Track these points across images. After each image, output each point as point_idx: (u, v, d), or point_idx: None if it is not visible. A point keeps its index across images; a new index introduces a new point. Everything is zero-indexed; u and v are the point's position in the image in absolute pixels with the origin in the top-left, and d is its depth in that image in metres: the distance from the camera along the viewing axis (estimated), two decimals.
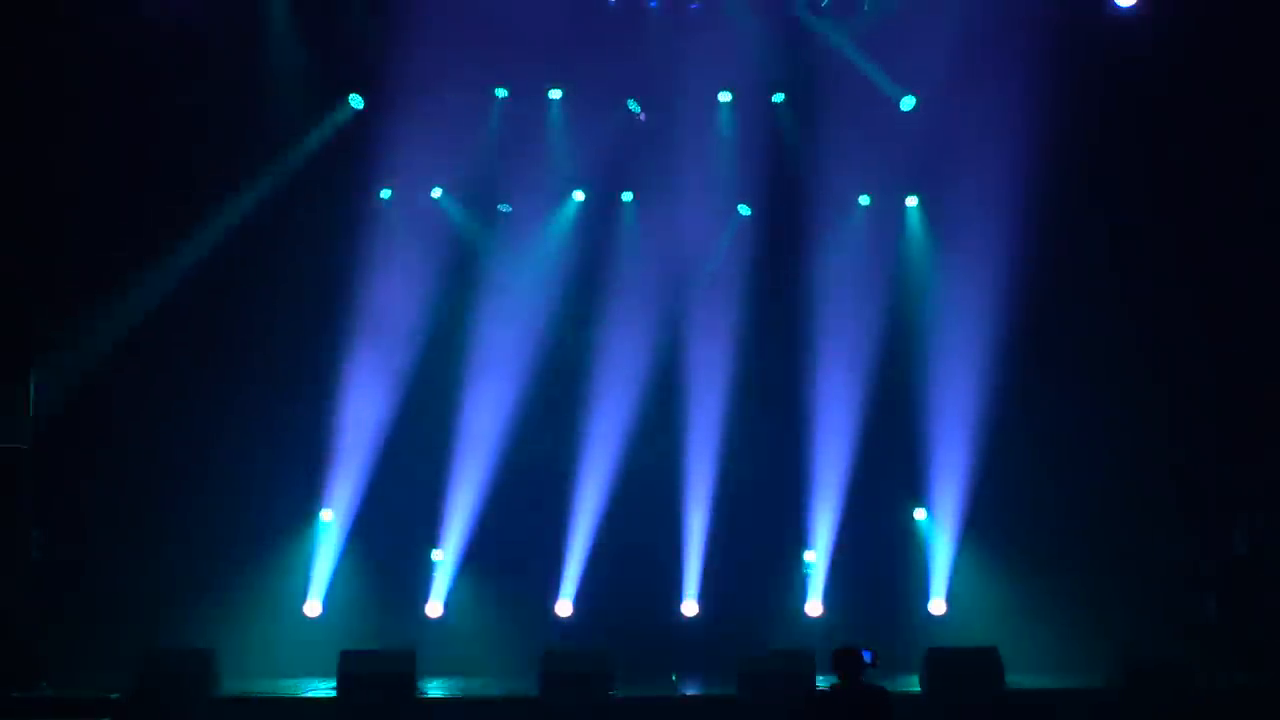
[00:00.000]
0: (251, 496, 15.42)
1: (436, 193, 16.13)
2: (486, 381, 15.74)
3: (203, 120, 15.38)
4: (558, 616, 15.52)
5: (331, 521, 15.50)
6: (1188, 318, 15.85)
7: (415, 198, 16.05)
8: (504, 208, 16.16)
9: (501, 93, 16.05)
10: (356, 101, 15.81)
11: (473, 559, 15.59)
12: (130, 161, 15.30)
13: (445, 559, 15.55)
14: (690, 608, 15.67)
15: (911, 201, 16.43)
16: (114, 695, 12.55)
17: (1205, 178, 15.77)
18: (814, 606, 15.71)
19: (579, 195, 16.34)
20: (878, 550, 15.87)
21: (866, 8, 15.86)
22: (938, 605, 15.72)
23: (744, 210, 16.31)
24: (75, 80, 15.06)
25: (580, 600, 15.57)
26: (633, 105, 16.00)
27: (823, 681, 13.10)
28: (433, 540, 15.56)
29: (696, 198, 16.19)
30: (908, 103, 15.87)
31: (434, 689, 13.57)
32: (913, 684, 13.51)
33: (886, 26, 15.83)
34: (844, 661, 9.67)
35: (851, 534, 15.75)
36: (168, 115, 15.28)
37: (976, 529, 15.74)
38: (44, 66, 14.96)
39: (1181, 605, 15.03)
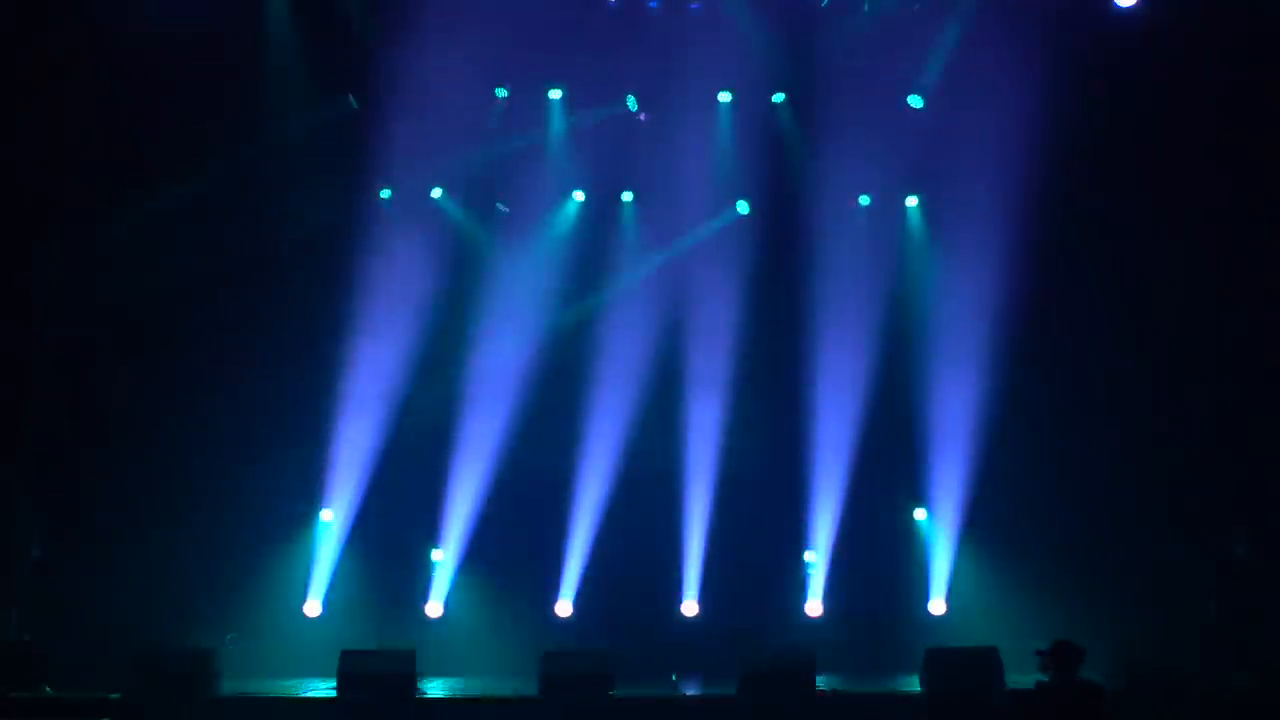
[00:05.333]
0: (251, 496, 15.42)
1: (437, 193, 16.14)
2: (486, 382, 15.74)
3: (202, 119, 15.38)
4: (558, 616, 15.53)
5: (331, 521, 15.50)
6: (1189, 317, 15.84)
7: (415, 197, 16.05)
8: (502, 207, 16.16)
9: (501, 93, 16.05)
10: (354, 102, 15.80)
11: (473, 559, 15.60)
12: (129, 159, 15.31)
13: (445, 559, 15.56)
14: (690, 608, 15.67)
15: (912, 201, 16.43)
16: (114, 695, 12.54)
17: (1207, 177, 15.76)
18: (814, 606, 15.71)
19: (579, 195, 16.35)
20: (878, 550, 15.87)
21: (867, 8, 15.85)
22: (938, 605, 15.72)
23: (743, 208, 16.33)
24: (75, 79, 15.06)
25: (580, 600, 15.57)
26: (631, 104, 15.99)
27: (821, 682, 13.10)
28: (433, 540, 15.57)
29: (696, 198, 16.21)
30: (917, 100, 15.85)
31: (434, 689, 13.56)
32: (913, 684, 13.50)
33: (886, 26, 15.81)
34: (1065, 656, 9.29)
35: (851, 534, 15.75)
36: (167, 113, 15.29)
37: (976, 529, 15.75)
38: (43, 65, 14.96)
39: (1181, 605, 15.03)
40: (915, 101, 15.86)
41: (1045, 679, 9.42)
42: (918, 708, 12.97)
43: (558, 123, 16.18)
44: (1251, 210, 15.67)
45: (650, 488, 15.77)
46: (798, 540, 15.82)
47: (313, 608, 15.37)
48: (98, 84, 15.10)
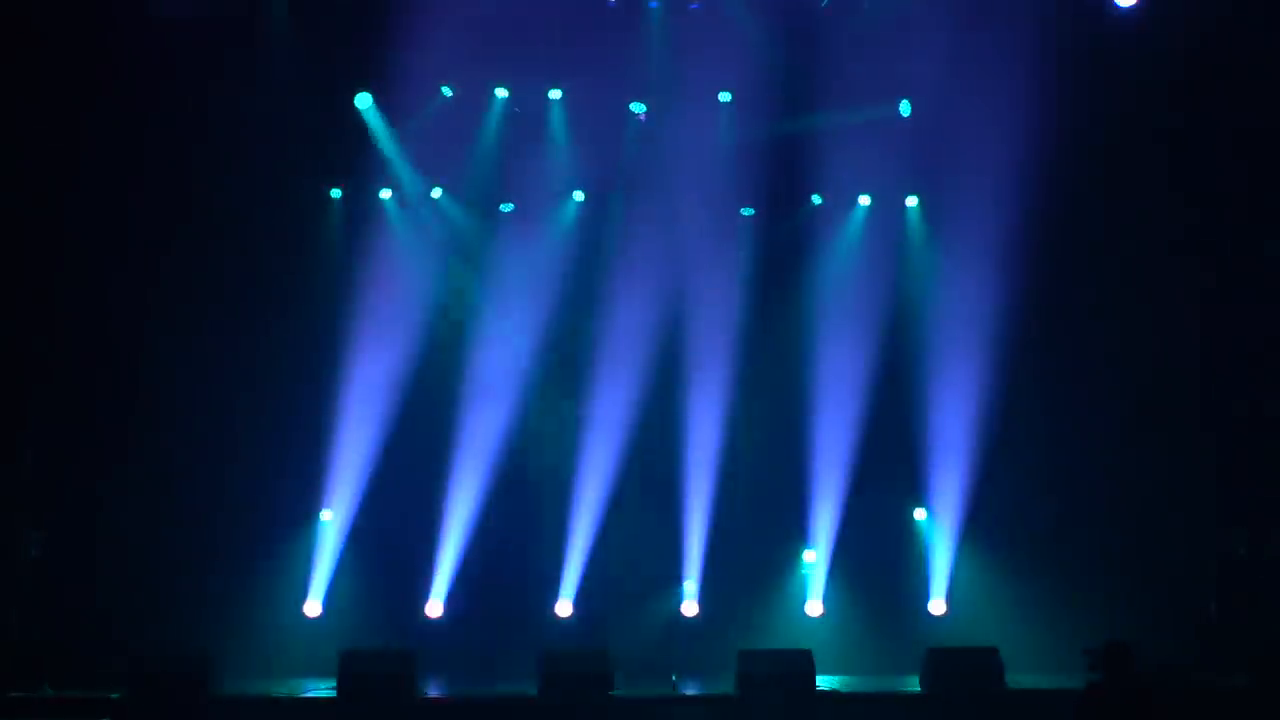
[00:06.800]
0: (252, 496, 15.42)
1: (436, 193, 16.16)
2: (486, 381, 15.74)
3: (202, 118, 15.38)
4: (558, 616, 15.53)
5: (331, 521, 15.50)
6: (1190, 317, 15.85)
7: (416, 197, 16.06)
8: (506, 207, 16.18)
9: (502, 93, 16.05)
10: (362, 101, 15.78)
11: (473, 559, 15.59)
12: (130, 159, 15.31)
13: (445, 559, 15.55)
14: (690, 608, 15.68)
15: (911, 202, 16.43)
16: (114, 695, 12.55)
17: (1206, 176, 15.77)
18: (814, 606, 15.72)
19: (579, 195, 16.35)
20: (878, 550, 15.87)
21: (867, 7, 15.84)
22: (938, 605, 15.73)
23: (746, 211, 16.37)
24: (75, 78, 15.06)
25: (580, 600, 15.58)
26: (637, 108, 16.01)
27: (823, 682, 13.10)
28: (433, 540, 15.56)
29: (696, 198, 16.21)
30: (905, 108, 15.88)
31: (434, 689, 13.56)
32: (913, 684, 13.50)
33: (887, 26, 15.81)
34: (1117, 656, 9.34)
35: (851, 534, 15.76)
36: (167, 113, 15.30)
37: (976, 529, 15.75)
38: (44, 65, 14.97)
39: (1181, 605, 15.03)
40: (904, 109, 15.88)
41: (1096, 678, 9.41)
42: (918, 708, 12.98)
43: (558, 122, 16.17)
44: (1252, 210, 15.67)
45: (650, 487, 15.77)
46: (798, 540, 15.83)
47: (313, 608, 15.37)
48: (96, 84, 15.10)
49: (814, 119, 16.06)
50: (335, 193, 16.11)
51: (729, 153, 16.16)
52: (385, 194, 16.08)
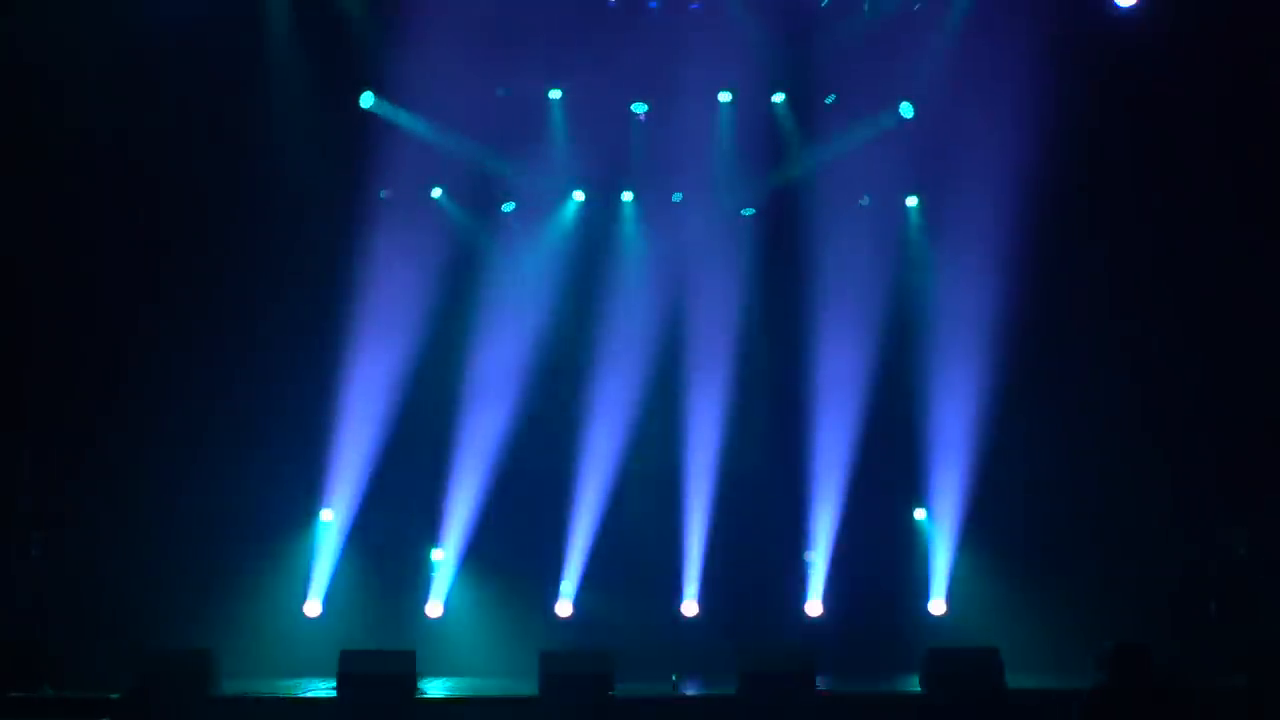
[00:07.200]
0: (251, 496, 15.42)
1: (436, 193, 16.16)
2: (487, 381, 15.75)
3: (203, 118, 15.39)
4: (558, 616, 15.53)
5: (331, 521, 15.50)
6: (1189, 317, 15.85)
7: (415, 197, 16.06)
8: (507, 207, 16.19)
9: (502, 93, 16.06)
10: (367, 100, 15.75)
11: (473, 559, 15.60)
12: (130, 159, 15.31)
13: (445, 559, 15.56)
14: (690, 607, 15.67)
15: (911, 201, 16.44)
16: (114, 695, 12.54)
17: (1206, 178, 15.77)
18: (814, 606, 15.72)
19: (579, 195, 16.36)
20: (878, 550, 15.87)
21: (867, 9, 15.85)
22: (938, 605, 15.73)
23: (747, 211, 16.37)
24: (76, 77, 15.07)
25: (580, 600, 15.57)
26: (639, 108, 16.02)
27: (821, 682, 13.09)
28: (433, 540, 15.57)
29: (696, 198, 16.22)
30: (907, 110, 15.88)
31: (434, 689, 13.56)
32: (913, 684, 13.50)
33: (887, 27, 15.81)
34: (1134, 659, 9.24)
35: (851, 534, 15.76)
36: (167, 113, 15.30)
37: (976, 529, 15.75)
38: (44, 65, 14.97)
39: (1181, 605, 15.03)
40: (906, 110, 15.88)
41: (1101, 679, 9.30)
42: (918, 708, 12.97)
43: (558, 122, 16.17)
44: (1252, 211, 15.67)
45: (650, 487, 15.78)
46: (798, 540, 15.83)
47: (313, 608, 15.37)
48: (96, 84, 15.10)
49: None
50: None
51: (730, 153, 16.18)
52: (384, 194, 16.08)
